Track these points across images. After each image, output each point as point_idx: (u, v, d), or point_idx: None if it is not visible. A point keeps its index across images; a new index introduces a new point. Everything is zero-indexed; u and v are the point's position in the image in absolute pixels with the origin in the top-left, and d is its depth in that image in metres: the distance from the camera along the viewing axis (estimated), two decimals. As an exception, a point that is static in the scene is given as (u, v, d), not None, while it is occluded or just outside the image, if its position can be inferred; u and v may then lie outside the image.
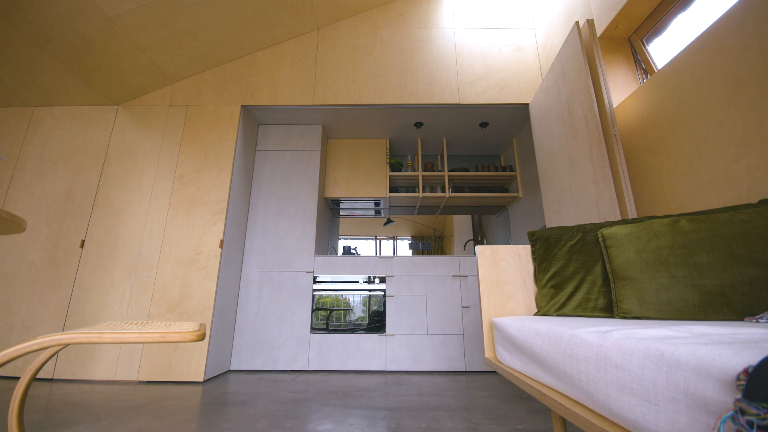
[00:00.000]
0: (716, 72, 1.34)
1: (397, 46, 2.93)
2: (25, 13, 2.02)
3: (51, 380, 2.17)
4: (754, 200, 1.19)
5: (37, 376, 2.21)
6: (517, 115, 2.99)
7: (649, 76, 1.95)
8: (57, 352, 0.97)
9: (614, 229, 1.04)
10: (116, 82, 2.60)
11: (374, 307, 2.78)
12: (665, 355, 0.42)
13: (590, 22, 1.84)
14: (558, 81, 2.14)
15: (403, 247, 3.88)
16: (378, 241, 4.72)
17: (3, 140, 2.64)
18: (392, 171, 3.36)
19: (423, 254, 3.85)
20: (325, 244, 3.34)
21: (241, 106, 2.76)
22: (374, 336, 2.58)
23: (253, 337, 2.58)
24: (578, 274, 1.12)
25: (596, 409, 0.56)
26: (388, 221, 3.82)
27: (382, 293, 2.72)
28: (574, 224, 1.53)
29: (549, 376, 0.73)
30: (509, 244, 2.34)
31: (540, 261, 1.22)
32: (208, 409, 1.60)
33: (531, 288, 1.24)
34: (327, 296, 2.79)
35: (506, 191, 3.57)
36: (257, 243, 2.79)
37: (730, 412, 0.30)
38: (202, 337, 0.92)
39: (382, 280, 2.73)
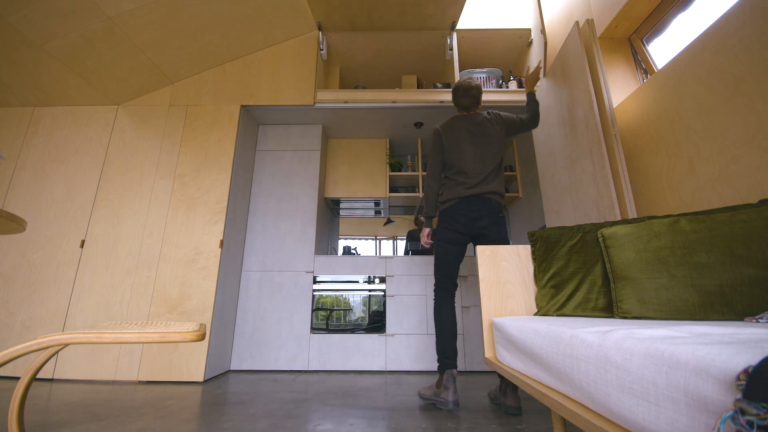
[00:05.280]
0: (716, 72, 1.34)
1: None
2: (25, 13, 2.02)
3: (51, 380, 2.17)
4: (754, 200, 1.19)
5: (37, 376, 2.21)
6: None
7: (649, 76, 1.95)
8: (57, 352, 0.97)
9: (614, 229, 1.04)
10: (116, 82, 2.60)
11: (374, 307, 2.78)
12: (665, 355, 0.42)
13: (590, 22, 1.84)
14: (558, 81, 2.14)
15: (403, 247, 3.88)
16: (378, 241, 4.71)
17: (3, 140, 2.64)
18: (392, 171, 3.36)
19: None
20: (325, 244, 3.34)
21: (241, 106, 2.76)
22: (374, 336, 2.58)
23: (253, 337, 2.58)
24: (578, 274, 1.12)
25: (596, 409, 0.56)
26: (388, 221, 3.82)
27: (382, 293, 2.71)
28: (574, 224, 1.53)
29: (549, 376, 0.73)
30: (509, 244, 2.33)
31: (540, 261, 1.22)
32: (208, 409, 1.60)
33: (531, 288, 1.24)
34: (327, 296, 2.79)
35: (506, 191, 3.57)
36: (257, 243, 2.79)
37: (730, 412, 0.30)
38: (202, 337, 0.92)
39: (382, 280, 2.73)
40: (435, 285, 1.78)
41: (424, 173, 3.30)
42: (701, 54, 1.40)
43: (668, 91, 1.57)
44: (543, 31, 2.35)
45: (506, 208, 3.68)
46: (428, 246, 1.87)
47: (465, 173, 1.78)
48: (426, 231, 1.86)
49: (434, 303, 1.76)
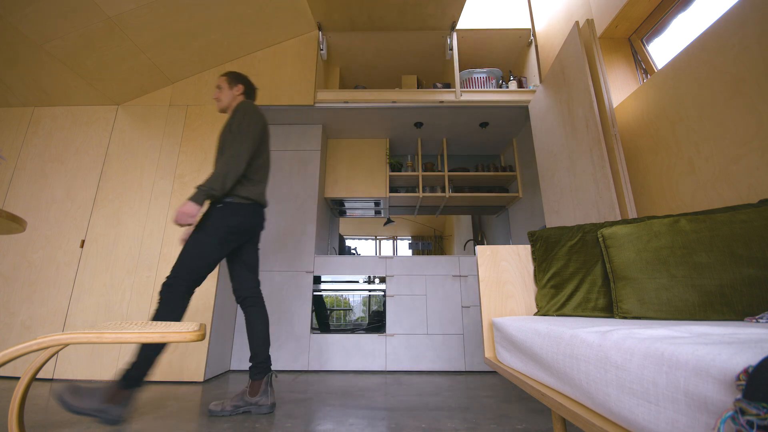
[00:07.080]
0: (716, 72, 1.34)
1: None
2: (25, 13, 2.02)
3: (51, 380, 2.17)
4: (754, 200, 1.19)
5: (37, 376, 2.21)
6: (517, 115, 2.99)
7: (649, 76, 1.95)
8: (57, 352, 0.97)
9: (614, 229, 1.04)
10: (116, 82, 2.60)
11: (374, 307, 2.78)
12: (665, 355, 0.42)
13: (590, 22, 1.84)
14: (558, 81, 2.14)
15: (403, 247, 3.88)
16: (378, 241, 4.72)
17: (3, 140, 2.64)
18: (392, 171, 3.36)
19: (423, 254, 3.85)
20: (326, 244, 3.34)
21: (241, 106, 2.76)
22: (374, 336, 2.58)
23: (253, 337, 2.57)
24: (578, 274, 1.12)
25: (596, 409, 0.56)
26: (388, 221, 3.82)
27: (382, 293, 2.71)
28: (574, 224, 1.53)
29: (549, 376, 0.73)
30: (509, 244, 2.33)
31: (540, 261, 1.22)
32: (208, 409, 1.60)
33: (531, 288, 1.24)
34: (327, 296, 2.79)
35: (506, 191, 3.57)
36: (257, 243, 2.78)
37: (730, 412, 0.30)
38: (202, 337, 0.92)
39: (382, 280, 2.73)
40: (176, 280, 1.40)
41: (425, 173, 3.30)
42: (701, 54, 1.40)
43: (668, 91, 1.57)
44: (534, 35, 2.35)
45: (506, 208, 3.68)
46: (183, 225, 1.43)
47: (265, 175, 1.68)
48: (196, 209, 1.42)
49: (174, 301, 1.39)
